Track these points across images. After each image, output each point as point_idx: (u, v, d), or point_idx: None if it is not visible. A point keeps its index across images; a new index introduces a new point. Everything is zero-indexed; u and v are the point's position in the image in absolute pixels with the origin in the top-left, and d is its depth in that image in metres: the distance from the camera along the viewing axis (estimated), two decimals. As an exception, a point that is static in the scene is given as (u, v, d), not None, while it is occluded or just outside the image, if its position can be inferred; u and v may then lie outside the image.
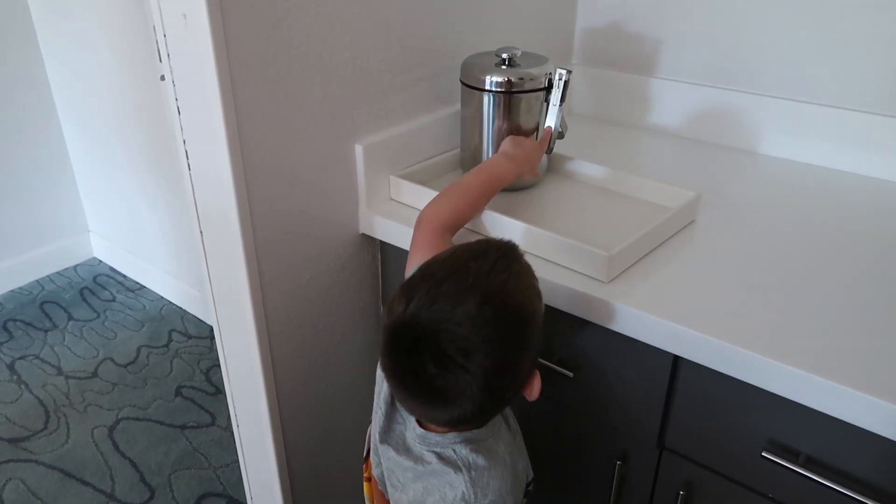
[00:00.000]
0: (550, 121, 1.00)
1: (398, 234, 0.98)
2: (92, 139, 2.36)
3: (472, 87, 1.00)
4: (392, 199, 1.03)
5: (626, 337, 0.80)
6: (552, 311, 0.86)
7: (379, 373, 0.81)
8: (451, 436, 0.73)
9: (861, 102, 1.08)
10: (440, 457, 0.73)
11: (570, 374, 0.86)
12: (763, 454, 0.74)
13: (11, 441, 1.82)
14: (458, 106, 1.05)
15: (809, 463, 0.73)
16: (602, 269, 0.82)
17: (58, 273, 2.55)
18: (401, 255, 0.96)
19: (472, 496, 0.71)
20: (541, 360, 0.88)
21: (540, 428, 0.99)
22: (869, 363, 0.69)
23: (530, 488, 0.83)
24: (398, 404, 0.78)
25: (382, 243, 1.05)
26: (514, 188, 1.05)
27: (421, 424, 0.75)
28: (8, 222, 2.38)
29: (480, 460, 0.72)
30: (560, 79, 0.97)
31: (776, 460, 0.73)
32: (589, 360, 0.87)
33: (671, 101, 1.26)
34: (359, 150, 0.97)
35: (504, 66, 0.98)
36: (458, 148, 1.09)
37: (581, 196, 1.05)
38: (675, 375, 0.80)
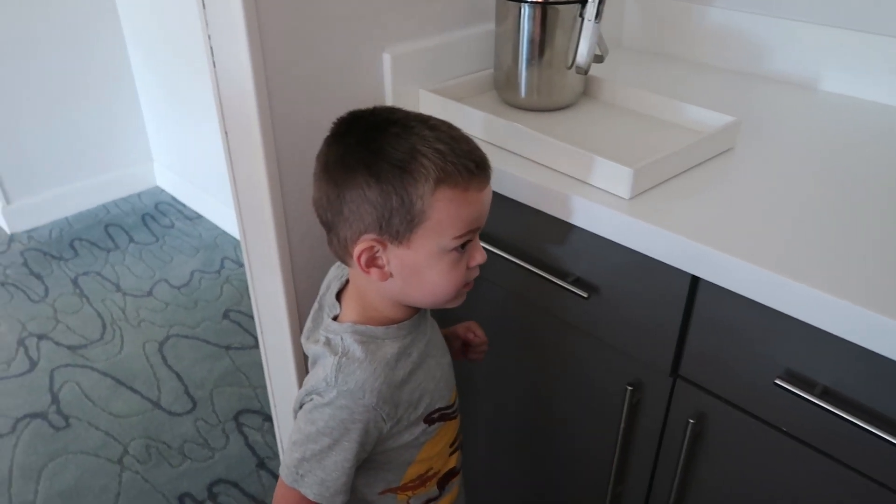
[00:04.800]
0: (585, 38, 0.95)
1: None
2: (157, 69, 2.43)
3: (508, -1, 0.96)
4: (421, 115, 1.02)
5: (643, 256, 0.77)
6: (570, 229, 0.84)
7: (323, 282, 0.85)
8: (348, 325, 0.74)
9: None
10: (328, 342, 0.74)
11: (585, 296, 0.84)
12: (776, 382, 0.70)
13: (70, 348, 1.93)
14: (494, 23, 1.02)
15: (826, 395, 0.69)
16: (625, 185, 0.78)
17: (123, 199, 2.66)
18: None
19: (333, 380, 0.71)
20: (554, 278, 0.86)
21: (549, 350, 0.97)
22: (899, 290, 0.64)
23: (435, 416, 0.80)
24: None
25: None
26: (543, 108, 1.02)
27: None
28: (80, 148, 2.49)
29: (358, 351, 0.72)
30: (597, -9, 0.92)
31: (791, 389, 0.69)
32: (605, 282, 0.84)
33: (727, 33, 1.18)
34: (387, 58, 0.95)
35: (541, -23, 0.94)
36: (492, 68, 1.06)
37: (614, 119, 1.00)
38: (693, 298, 0.77)
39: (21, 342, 1.94)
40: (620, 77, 1.06)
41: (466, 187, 0.68)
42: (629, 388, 0.86)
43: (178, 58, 2.27)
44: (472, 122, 0.94)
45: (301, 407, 0.74)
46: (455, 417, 0.85)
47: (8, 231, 2.43)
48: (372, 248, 0.69)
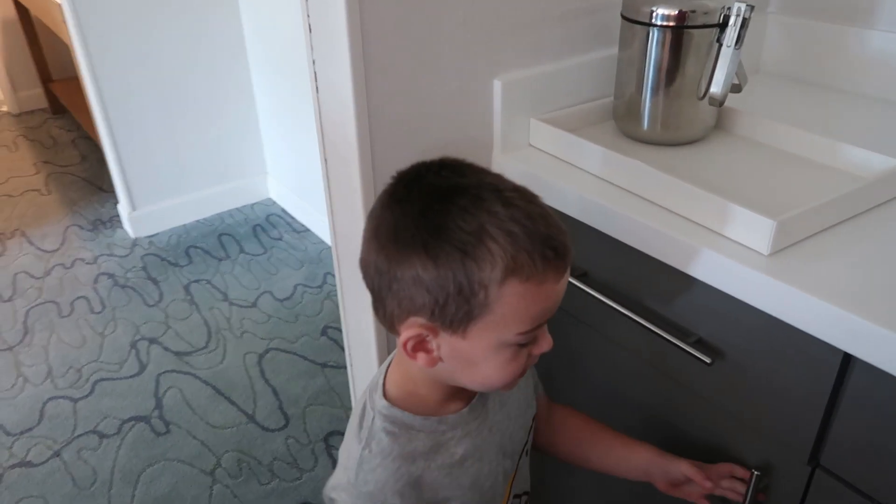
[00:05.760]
0: (722, 66, 0.84)
1: (535, 184, 0.88)
2: (275, 89, 2.50)
3: (634, 21, 0.87)
4: (531, 146, 0.94)
5: (783, 323, 0.65)
6: (697, 284, 0.73)
7: None
8: (384, 405, 0.67)
9: None
10: (363, 415, 0.68)
11: (708, 361, 0.73)
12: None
13: (177, 354, 1.99)
14: (617, 48, 0.93)
15: None
16: (764, 239, 0.67)
17: (237, 209, 2.75)
18: None
19: (354, 477, 0.65)
20: (674, 339, 0.75)
21: (666, 416, 0.86)
22: None
23: None
24: None
25: (516, 193, 0.96)
26: (668, 142, 0.92)
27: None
28: (202, 160, 2.60)
29: (384, 443, 0.65)
30: (738, 14, 0.81)
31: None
32: (734, 347, 0.73)
33: (890, 59, 1.03)
34: (497, 85, 0.88)
35: (675, -2, 0.84)
36: (611, 96, 0.97)
37: (751, 158, 0.89)
38: (844, 378, 0.65)
39: (133, 345, 2.02)
40: (759, 108, 0.94)
41: (542, 280, 0.57)
42: (755, 472, 0.74)
43: (295, 77, 2.32)
44: (586, 155, 0.85)
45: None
46: None
47: (132, 235, 2.57)
48: (420, 334, 0.60)
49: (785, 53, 1.15)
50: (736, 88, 0.91)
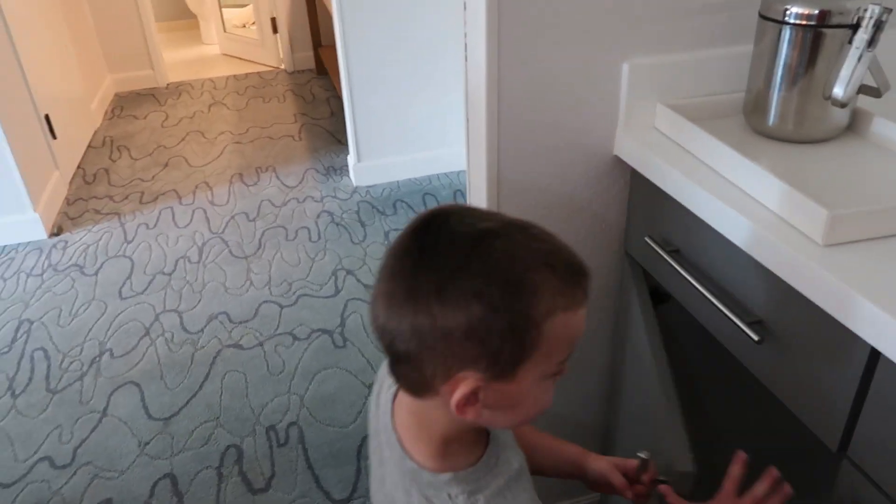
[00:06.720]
0: (848, 66, 0.85)
1: (654, 166, 0.96)
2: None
3: (768, 19, 0.90)
4: (655, 129, 1.01)
5: (824, 313, 0.69)
6: (756, 266, 0.78)
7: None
8: (447, 477, 0.63)
9: None
10: None
11: (756, 339, 0.77)
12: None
13: (366, 286, 2.30)
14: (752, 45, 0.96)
15: None
16: (818, 228, 0.70)
17: (444, 174, 3.03)
18: (652, 188, 0.96)
19: None
20: (731, 314, 0.80)
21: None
22: None
23: None
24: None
25: (634, 171, 1.04)
26: (794, 139, 0.94)
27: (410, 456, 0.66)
28: (419, 126, 2.92)
29: (480, 501, 0.62)
30: (871, 17, 0.82)
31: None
32: (781, 329, 0.77)
33: None
34: (625, 68, 0.97)
35: (816, -3, 0.86)
36: (743, 90, 1.00)
37: (878, 162, 0.88)
38: (872, 373, 0.67)
39: (334, 272, 2.38)
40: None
41: (579, 306, 0.58)
42: (641, 456, 0.77)
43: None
44: (694, 140, 0.91)
45: None
46: None
47: (354, 184, 2.97)
48: (476, 388, 0.57)
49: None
50: (874, 93, 0.90)
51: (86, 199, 2.93)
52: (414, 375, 0.59)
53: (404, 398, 0.67)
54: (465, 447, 0.66)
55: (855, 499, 0.70)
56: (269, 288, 2.30)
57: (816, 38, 0.87)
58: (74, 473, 1.63)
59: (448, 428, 0.64)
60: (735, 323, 0.80)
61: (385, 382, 0.72)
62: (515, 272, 0.55)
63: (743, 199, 0.80)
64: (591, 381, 1.25)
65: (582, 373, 1.23)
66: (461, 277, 0.55)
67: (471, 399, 0.58)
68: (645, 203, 1.03)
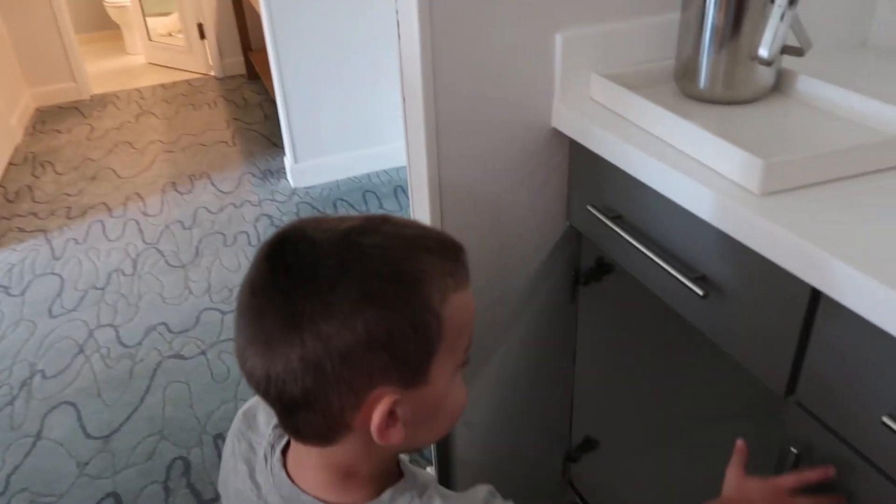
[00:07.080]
0: (772, 26, 0.87)
1: (591, 134, 0.97)
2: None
3: (692, -17, 0.92)
4: (592, 99, 1.02)
5: (765, 260, 0.70)
6: (697, 222, 0.79)
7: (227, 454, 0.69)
8: (386, 496, 0.58)
9: None
10: None
11: (701, 294, 0.78)
12: (883, 420, 0.60)
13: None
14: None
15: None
16: (755, 179, 0.72)
17: (384, 171, 3.00)
18: (592, 157, 0.96)
19: None
20: (675, 272, 0.81)
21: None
22: None
23: None
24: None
25: (573, 142, 1.04)
26: (723, 101, 0.95)
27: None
28: (356, 124, 2.89)
29: None
30: (790, -27, 0.84)
31: (900, 434, 0.58)
32: (724, 282, 0.78)
33: None
34: (558, 40, 0.98)
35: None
36: (673, 58, 1.02)
37: (803, 119, 0.90)
38: (814, 314, 0.68)
39: (277, 275, 2.32)
40: (831, 75, 0.94)
41: (466, 282, 0.56)
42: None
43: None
44: (626, 104, 0.92)
45: None
46: None
47: (292, 185, 2.91)
48: (393, 403, 0.52)
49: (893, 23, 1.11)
50: (796, 52, 0.92)
51: (8, 217, 2.78)
52: (318, 419, 0.52)
53: (306, 457, 0.59)
54: (392, 474, 0.61)
55: (807, 442, 0.71)
56: (210, 295, 2.23)
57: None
58: (9, 502, 1.54)
59: (374, 465, 0.59)
60: (679, 280, 0.80)
61: (257, 454, 0.64)
62: (397, 264, 0.52)
63: (680, 157, 0.81)
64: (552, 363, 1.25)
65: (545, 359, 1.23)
66: (343, 284, 0.50)
67: (391, 420, 0.53)
68: (585, 173, 1.04)
